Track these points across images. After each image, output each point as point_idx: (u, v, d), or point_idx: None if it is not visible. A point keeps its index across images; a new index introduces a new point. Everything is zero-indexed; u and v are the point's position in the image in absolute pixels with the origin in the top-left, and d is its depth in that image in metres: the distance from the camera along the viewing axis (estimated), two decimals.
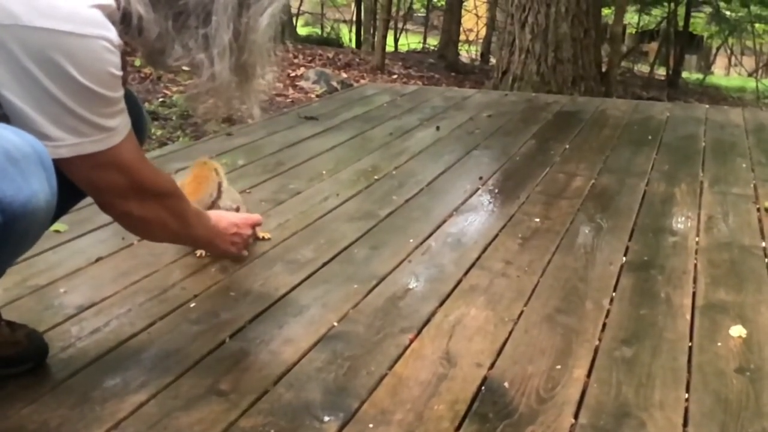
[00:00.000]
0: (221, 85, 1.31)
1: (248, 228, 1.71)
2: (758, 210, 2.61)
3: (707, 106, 4.82)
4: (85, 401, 1.39)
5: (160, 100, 4.96)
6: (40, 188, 1.04)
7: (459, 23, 11.08)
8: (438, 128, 3.72)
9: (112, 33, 1.14)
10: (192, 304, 1.80)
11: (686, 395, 1.48)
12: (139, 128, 1.36)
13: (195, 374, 1.49)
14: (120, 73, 1.18)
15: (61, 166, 1.18)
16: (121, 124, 1.23)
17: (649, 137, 3.66)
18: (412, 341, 1.65)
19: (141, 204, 1.33)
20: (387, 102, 4.40)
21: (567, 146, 3.44)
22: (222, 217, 1.66)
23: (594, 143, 3.53)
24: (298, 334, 1.67)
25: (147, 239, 1.77)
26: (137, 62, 4.57)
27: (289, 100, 5.51)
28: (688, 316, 1.80)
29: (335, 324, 1.72)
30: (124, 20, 1.20)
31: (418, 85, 7.45)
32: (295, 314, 1.77)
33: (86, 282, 1.91)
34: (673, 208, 2.62)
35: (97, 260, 2.03)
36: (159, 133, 4.08)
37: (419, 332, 1.69)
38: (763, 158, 3.30)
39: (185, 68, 1.32)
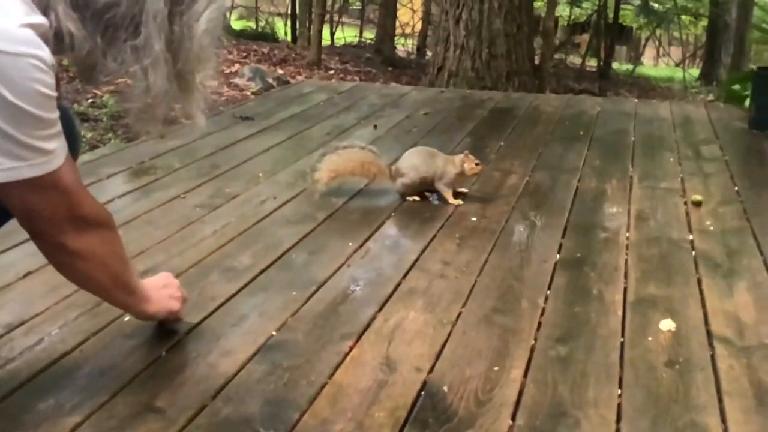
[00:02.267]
0: (157, 96, 1.28)
1: (173, 278, 1.67)
2: (686, 204, 2.69)
3: (636, 100, 4.95)
4: (16, 426, 1.35)
5: (90, 100, 4.83)
6: None
7: (394, 17, 11.11)
8: (376, 127, 3.73)
9: (44, 52, 1.11)
10: (126, 318, 1.75)
11: (619, 391, 1.52)
12: (72, 146, 1.32)
13: (130, 392, 1.47)
14: (53, 93, 1.15)
15: None
16: (59, 147, 1.20)
17: (581, 132, 3.75)
18: (352, 348, 1.66)
19: (77, 235, 1.30)
20: (324, 100, 4.39)
21: (502, 143, 3.49)
22: (143, 281, 1.59)
23: (528, 140, 3.59)
24: (236, 345, 1.66)
25: (81, 284, 1.50)
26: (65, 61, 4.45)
27: (223, 99, 5.44)
28: (620, 312, 1.86)
29: (274, 333, 1.71)
30: (56, 38, 1.16)
31: (356, 82, 7.45)
32: (233, 324, 1.75)
33: (15, 298, 1.85)
34: (604, 204, 2.69)
35: (27, 275, 1.97)
36: (89, 135, 3.99)
37: (359, 338, 1.70)
38: (690, 152, 3.41)
39: (121, 81, 1.29)
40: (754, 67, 11.24)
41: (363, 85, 5.12)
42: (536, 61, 6.83)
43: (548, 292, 1.97)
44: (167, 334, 1.69)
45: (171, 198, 2.60)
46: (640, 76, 12.80)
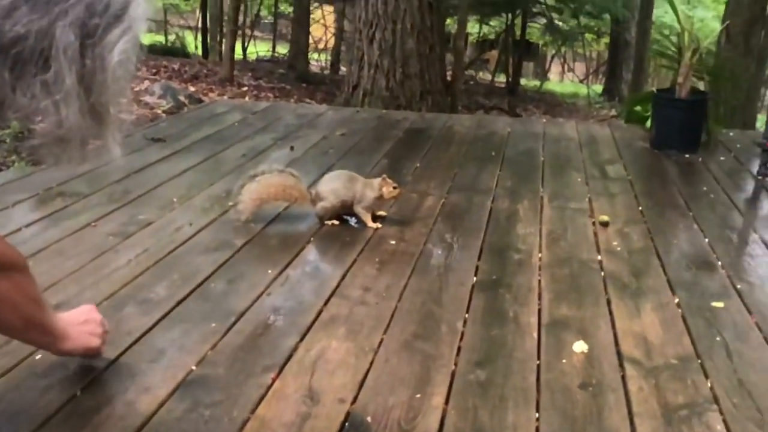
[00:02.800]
0: (70, 131, 1.24)
1: (94, 312, 1.62)
2: (594, 224, 2.80)
3: (545, 119, 5.13)
4: None
5: None
6: None
7: (308, 34, 11.12)
8: (292, 148, 3.72)
9: None
10: (38, 356, 1.69)
11: (536, 414, 1.57)
12: None
13: None
14: None
15: None
16: None
17: (493, 153, 3.84)
18: (274, 380, 1.65)
19: None
20: (238, 121, 4.34)
21: (418, 164, 3.55)
22: (62, 315, 1.55)
23: (443, 160, 3.66)
24: (154, 381, 1.62)
25: None
26: None
27: (133, 117, 5.31)
28: (535, 334, 1.92)
29: (194, 368, 1.69)
30: None
31: (270, 99, 7.41)
32: (150, 360, 1.71)
33: None
34: (517, 225, 2.77)
35: None
36: None
37: (281, 370, 1.69)
38: (596, 171, 3.56)
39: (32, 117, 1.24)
40: (653, 86, 11.76)
41: (278, 105, 5.10)
42: (448, 79, 6.97)
43: (466, 315, 2.01)
44: (82, 372, 1.64)
45: (82, 226, 2.52)
46: (546, 92, 13.24)
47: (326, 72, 11.76)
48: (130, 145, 3.59)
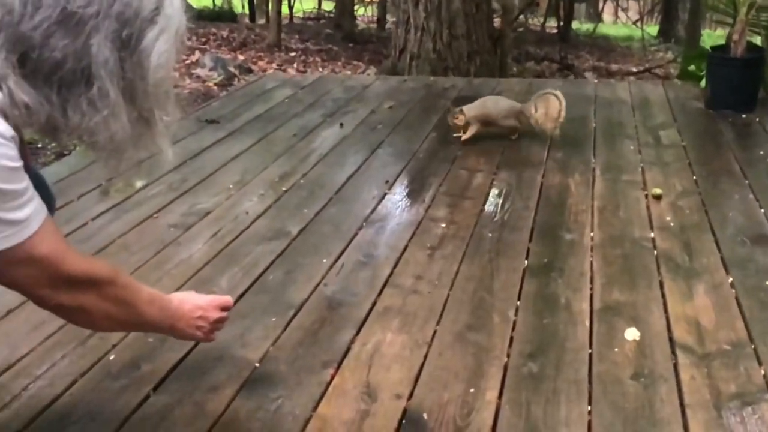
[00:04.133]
0: (123, 142, 1.27)
1: (215, 311, 1.62)
2: (646, 197, 2.78)
3: (596, 80, 5.04)
4: None
5: None
6: None
7: None
8: (341, 125, 3.76)
9: (1, 126, 1.12)
10: (112, 356, 1.81)
11: (588, 408, 1.61)
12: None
13: None
14: (17, 164, 1.15)
15: None
16: (32, 213, 1.19)
17: None
18: (333, 377, 1.72)
19: (72, 295, 1.30)
20: (288, 97, 4.39)
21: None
22: (186, 300, 1.58)
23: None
24: (221, 380, 1.71)
25: (95, 330, 1.67)
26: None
27: (186, 92, 5.39)
28: (587, 322, 1.94)
29: (257, 365, 1.77)
30: (13, 110, 1.17)
31: (317, 63, 7.43)
32: (215, 357, 1.80)
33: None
34: (568, 201, 2.77)
35: (8, 313, 1.99)
36: (54, 144, 3.95)
37: (339, 365, 1.76)
38: (650, 138, 3.50)
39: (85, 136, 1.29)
40: (711, 27, 11.28)
41: (326, 78, 5.12)
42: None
43: (518, 303, 2.04)
44: (153, 371, 1.74)
45: (144, 218, 2.62)
46: (599, 36, 12.89)
47: (373, 27, 11.66)
48: (185, 128, 3.69)
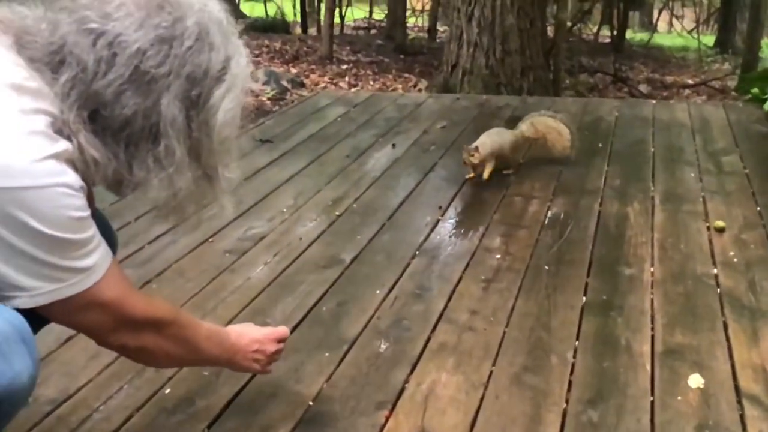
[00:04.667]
0: (185, 199, 1.30)
1: (272, 344, 1.62)
2: (708, 229, 2.70)
3: (654, 101, 4.92)
4: None
5: None
6: (23, 367, 1.05)
7: (404, 2, 11.03)
8: (394, 146, 3.75)
9: (70, 177, 1.13)
10: (167, 390, 1.81)
11: None
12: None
13: None
14: (85, 213, 1.17)
15: (40, 311, 1.18)
16: (98, 260, 1.21)
17: (600, 145, 3.75)
18: (387, 419, 1.70)
19: (135, 336, 1.31)
20: (341, 116, 4.40)
21: (521, 160, 3.49)
22: (244, 334, 1.59)
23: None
24: (274, 419, 1.70)
25: (154, 366, 1.70)
26: None
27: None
28: (648, 366, 1.89)
29: (311, 404, 1.76)
30: (82, 164, 1.18)
31: (369, 76, 7.45)
32: (269, 394, 1.80)
33: (58, 369, 1.90)
34: (627, 232, 2.70)
35: (67, 340, 2.02)
36: None
37: (393, 407, 1.74)
38: (710, 165, 3.41)
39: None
40: (766, 53, 10.98)
41: (379, 96, 5.12)
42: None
43: (576, 344, 2.00)
44: (207, 407, 1.74)
45: (199, 243, 2.64)
46: (654, 47, 12.65)
47: (423, 35, 11.65)
48: (239, 148, 3.70)
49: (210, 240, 2.68)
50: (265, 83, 6.36)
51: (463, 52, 6.04)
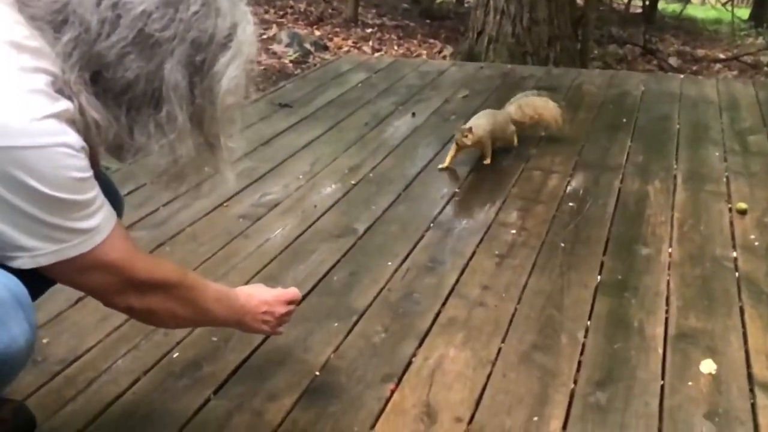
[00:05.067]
0: (186, 166, 1.28)
1: (281, 305, 1.62)
2: (730, 211, 2.65)
3: (682, 76, 4.81)
4: None
5: None
6: (19, 332, 1.04)
7: None
8: (414, 114, 3.70)
9: (71, 137, 1.11)
10: (175, 354, 1.82)
11: None
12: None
13: None
14: (87, 174, 1.15)
15: (44, 272, 1.17)
16: (102, 221, 1.20)
17: (624, 120, 3.67)
18: (392, 392, 1.69)
19: (141, 298, 1.31)
20: (362, 81, 4.35)
21: (543, 133, 3.43)
22: (253, 295, 1.59)
23: (570, 129, 3.52)
24: (280, 388, 1.70)
25: (162, 327, 1.73)
26: None
27: (262, 68, 5.41)
28: (660, 350, 1.86)
29: (317, 374, 1.76)
30: (83, 125, 1.17)
31: (393, 41, 7.36)
32: (277, 362, 1.79)
33: (68, 329, 1.91)
34: (646, 211, 2.66)
35: (77, 301, 2.03)
36: None
37: (400, 381, 1.73)
38: (736, 144, 3.33)
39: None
40: None
41: (401, 62, 5.04)
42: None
43: (588, 323, 1.97)
44: (214, 373, 1.75)
45: (213, 207, 2.63)
46: (686, 18, 12.38)
47: (451, 0, 11.47)
48: (258, 111, 3.69)
49: (225, 205, 2.66)
50: (288, 45, 6.31)
51: (489, 19, 5.93)
